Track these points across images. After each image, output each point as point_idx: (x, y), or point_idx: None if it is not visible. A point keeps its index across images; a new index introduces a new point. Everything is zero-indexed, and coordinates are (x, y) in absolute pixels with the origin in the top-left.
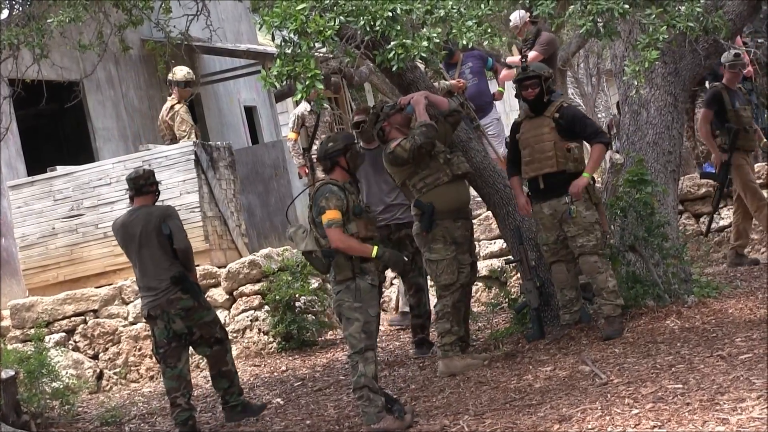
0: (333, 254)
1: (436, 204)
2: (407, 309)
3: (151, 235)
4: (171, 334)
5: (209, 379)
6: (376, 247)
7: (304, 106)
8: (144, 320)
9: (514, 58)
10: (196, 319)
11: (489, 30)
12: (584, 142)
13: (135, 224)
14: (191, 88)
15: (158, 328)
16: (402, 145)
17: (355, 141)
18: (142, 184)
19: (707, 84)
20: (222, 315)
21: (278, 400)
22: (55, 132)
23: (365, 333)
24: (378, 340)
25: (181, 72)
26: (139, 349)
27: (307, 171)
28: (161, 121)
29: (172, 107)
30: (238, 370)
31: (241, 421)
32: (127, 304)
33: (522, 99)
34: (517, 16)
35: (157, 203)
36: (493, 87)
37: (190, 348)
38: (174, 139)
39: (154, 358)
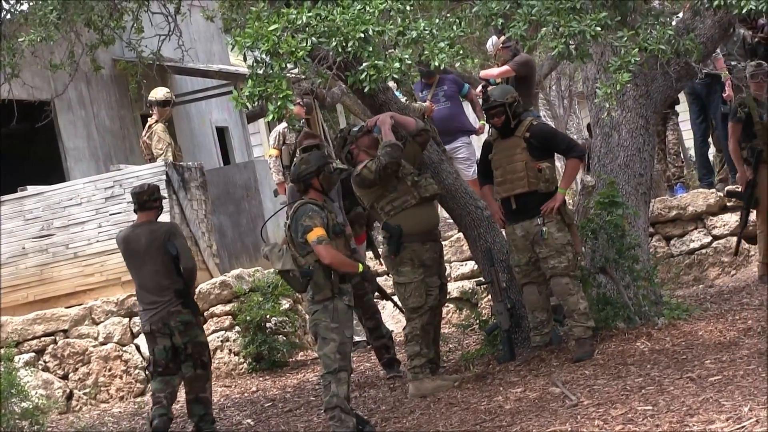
0: (311, 273)
1: (404, 227)
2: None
3: (155, 253)
4: (170, 354)
5: (181, 401)
6: (361, 264)
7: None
8: (144, 336)
9: (488, 72)
10: (192, 336)
11: (461, 52)
12: (556, 163)
13: (138, 240)
14: (170, 107)
15: (158, 348)
16: (368, 167)
17: (329, 161)
18: (145, 200)
19: (676, 107)
20: None
21: (248, 420)
22: (26, 152)
23: (340, 354)
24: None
25: (161, 92)
26: (109, 370)
27: (286, 189)
28: (141, 141)
29: (149, 126)
30: None
31: None
32: (97, 324)
33: (491, 126)
34: (490, 43)
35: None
36: (468, 110)
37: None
38: (153, 158)
39: (147, 373)
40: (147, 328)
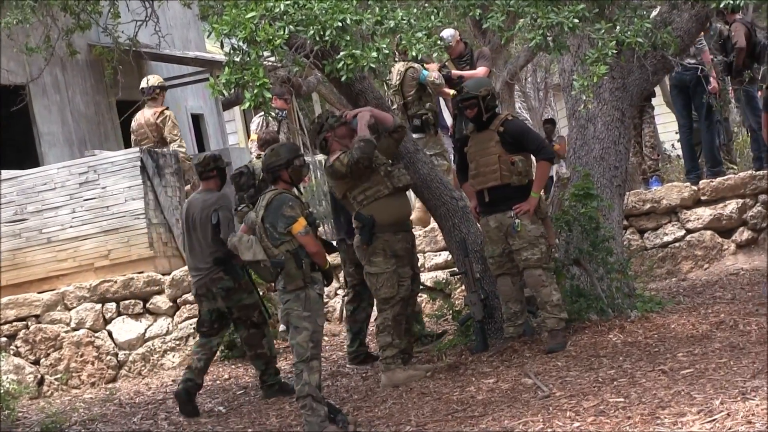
0: (283, 264)
1: (376, 217)
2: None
3: (204, 222)
4: (215, 315)
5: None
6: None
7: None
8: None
9: (468, 72)
10: (236, 300)
11: (439, 42)
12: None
13: (193, 208)
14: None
15: (203, 310)
16: (340, 160)
17: (299, 153)
18: (202, 171)
19: (652, 100)
20: (165, 322)
21: (220, 408)
22: (0, 136)
23: (312, 342)
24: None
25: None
26: (81, 356)
27: None
28: (145, 124)
29: (162, 112)
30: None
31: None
32: (69, 309)
33: (465, 118)
34: (448, 35)
35: (217, 190)
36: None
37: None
38: (161, 143)
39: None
40: (194, 292)
